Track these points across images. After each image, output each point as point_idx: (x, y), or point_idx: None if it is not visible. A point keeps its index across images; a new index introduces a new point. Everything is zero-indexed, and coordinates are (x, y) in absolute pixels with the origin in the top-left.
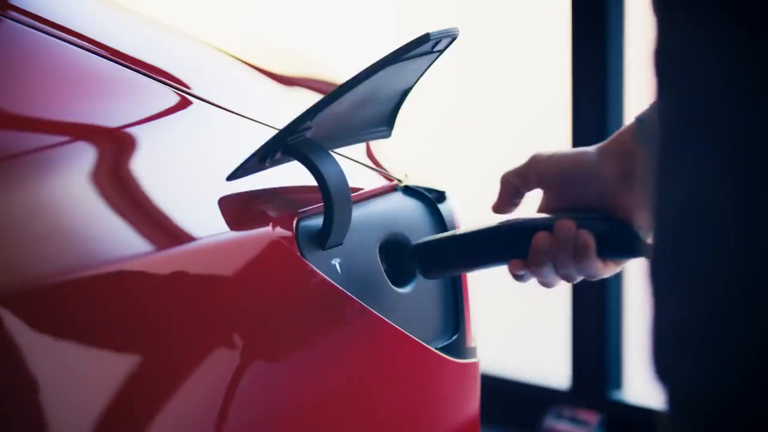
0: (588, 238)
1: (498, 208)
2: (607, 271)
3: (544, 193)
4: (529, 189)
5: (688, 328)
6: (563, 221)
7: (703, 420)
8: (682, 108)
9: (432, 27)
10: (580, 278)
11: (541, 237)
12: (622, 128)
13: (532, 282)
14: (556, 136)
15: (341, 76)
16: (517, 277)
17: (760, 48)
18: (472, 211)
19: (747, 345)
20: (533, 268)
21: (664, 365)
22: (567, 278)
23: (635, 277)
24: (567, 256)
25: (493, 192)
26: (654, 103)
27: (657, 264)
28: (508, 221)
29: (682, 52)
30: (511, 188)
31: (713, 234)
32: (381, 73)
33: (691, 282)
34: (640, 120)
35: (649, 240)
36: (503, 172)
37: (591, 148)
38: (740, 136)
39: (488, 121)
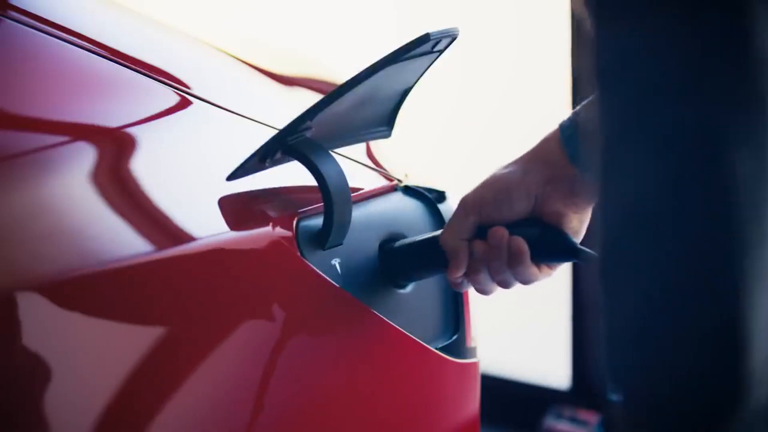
0: (521, 243)
1: (456, 273)
2: (541, 276)
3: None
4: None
5: (634, 321)
6: (496, 228)
7: (650, 410)
8: (624, 109)
9: (432, 27)
10: (515, 284)
11: (475, 245)
12: (546, 135)
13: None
14: None
15: (341, 76)
16: (456, 285)
17: (688, 43)
18: None
19: (687, 337)
20: (470, 276)
21: (617, 361)
22: (503, 284)
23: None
24: (501, 263)
25: None
26: (590, 109)
27: (606, 266)
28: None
29: (614, 57)
30: (463, 246)
31: (656, 222)
32: (381, 73)
33: (636, 278)
34: (563, 126)
35: (588, 243)
36: (442, 237)
37: (512, 165)
38: (677, 133)
39: (488, 121)
